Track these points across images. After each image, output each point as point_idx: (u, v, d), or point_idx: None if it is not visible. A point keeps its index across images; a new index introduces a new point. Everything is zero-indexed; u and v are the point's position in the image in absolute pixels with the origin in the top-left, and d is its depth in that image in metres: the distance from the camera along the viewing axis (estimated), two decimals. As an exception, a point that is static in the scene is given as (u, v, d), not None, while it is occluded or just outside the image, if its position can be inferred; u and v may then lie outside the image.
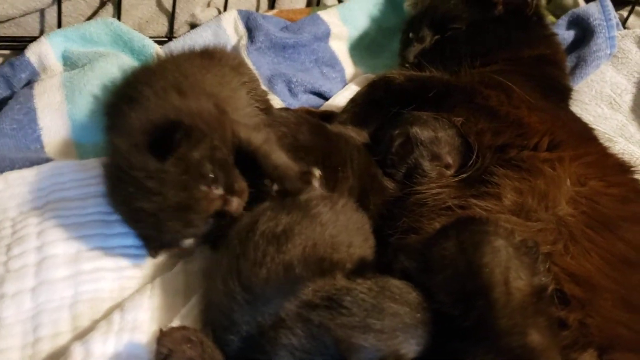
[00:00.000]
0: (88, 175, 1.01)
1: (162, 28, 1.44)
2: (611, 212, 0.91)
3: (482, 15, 1.22)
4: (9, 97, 1.18)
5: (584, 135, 1.10)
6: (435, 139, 1.03)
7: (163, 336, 0.69)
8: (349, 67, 1.50)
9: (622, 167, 1.04)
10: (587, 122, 1.33)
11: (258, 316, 0.69)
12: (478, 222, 0.72)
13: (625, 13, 1.63)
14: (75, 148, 1.10)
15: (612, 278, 0.81)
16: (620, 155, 1.10)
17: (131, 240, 0.92)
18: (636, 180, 1.04)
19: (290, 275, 0.71)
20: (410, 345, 0.65)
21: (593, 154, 1.01)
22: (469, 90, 1.09)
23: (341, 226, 0.82)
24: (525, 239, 0.74)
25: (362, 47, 1.54)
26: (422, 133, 1.03)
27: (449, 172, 1.02)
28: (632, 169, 1.06)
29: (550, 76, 1.22)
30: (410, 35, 1.31)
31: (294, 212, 0.78)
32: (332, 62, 1.48)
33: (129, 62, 1.24)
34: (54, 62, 1.25)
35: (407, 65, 1.27)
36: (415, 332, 0.66)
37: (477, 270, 0.66)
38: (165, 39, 1.43)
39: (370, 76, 1.46)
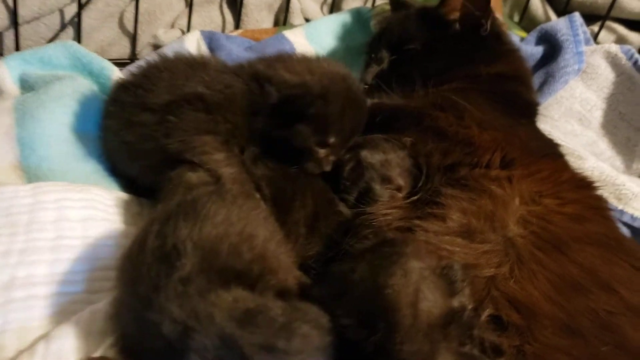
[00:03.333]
0: (33, 200, 0.98)
1: (124, 50, 1.44)
2: (564, 232, 0.88)
3: (438, 34, 1.21)
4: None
5: (542, 151, 1.07)
6: (386, 161, 1.00)
7: (77, 369, 0.67)
8: (315, 87, 1.47)
9: (578, 183, 1.01)
10: (557, 138, 1.31)
11: (165, 332, 0.65)
12: (393, 244, 0.69)
13: (596, 28, 1.61)
14: (24, 172, 1.08)
15: (557, 303, 0.78)
16: (578, 171, 1.08)
17: (73, 266, 0.90)
18: (594, 196, 1.01)
19: (193, 289, 0.67)
20: None
21: (547, 170, 0.98)
22: (416, 114, 1.07)
23: (239, 220, 0.76)
24: (450, 261, 0.71)
25: (329, 67, 1.52)
26: (372, 156, 1.01)
27: (400, 195, 0.99)
28: (591, 184, 1.04)
29: (512, 92, 1.20)
30: (372, 55, 1.30)
31: (180, 220, 0.72)
32: (297, 83, 1.46)
33: (86, 85, 1.23)
34: (11, 85, 1.23)
35: (366, 87, 1.26)
36: (322, 356, 0.63)
37: (382, 291, 0.63)
38: (128, 61, 1.42)
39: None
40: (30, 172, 1.08)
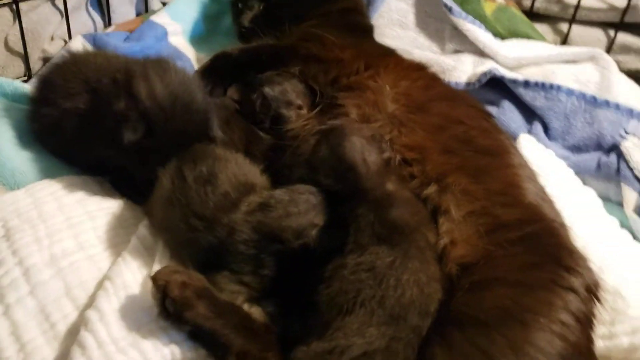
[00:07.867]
0: (33, 199, 1.18)
1: (19, 70, 1.58)
2: (422, 98, 1.29)
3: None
4: None
5: (386, 53, 1.49)
6: (284, 90, 1.35)
7: (156, 275, 0.92)
8: (192, 55, 1.76)
9: (416, 66, 1.44)
10: (388, 45, 1.72)
11: (217, 232, 1.00)
12: (338, 129, 1.07)
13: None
14: (5, 187, 1.23)
15: (433, 139, 1.18)
16: (412, 59, 1.51)
17: (92, 231, 1.14)
18: (430, 72, 1.45)
19: (229, 198, 1.02)
20: (320, 216, 1.01)
21: (392, 63, 1.39)
22: (291, 47, 1.44)
23: (238, 167, 1.11)
24: (373, 134, 1.10)
25: (197, 36, 1.82)
26: (272, 90, 1.35)
27: (303, 112, 1.35)
28: (425, 65, 1.47)
29: (354, 21, 1.62)
30: (240, 5, 1.62)
31: (208, 160, 1.07)
32: (177, 55, 1.72)
33: (4, 105, 1.37)
34: None
35: (243, 29, 1.59)
36: (320, 208, 1.01)
37: (343, 157, 1.03)
38: (25, 78, 1.58)
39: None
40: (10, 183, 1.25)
